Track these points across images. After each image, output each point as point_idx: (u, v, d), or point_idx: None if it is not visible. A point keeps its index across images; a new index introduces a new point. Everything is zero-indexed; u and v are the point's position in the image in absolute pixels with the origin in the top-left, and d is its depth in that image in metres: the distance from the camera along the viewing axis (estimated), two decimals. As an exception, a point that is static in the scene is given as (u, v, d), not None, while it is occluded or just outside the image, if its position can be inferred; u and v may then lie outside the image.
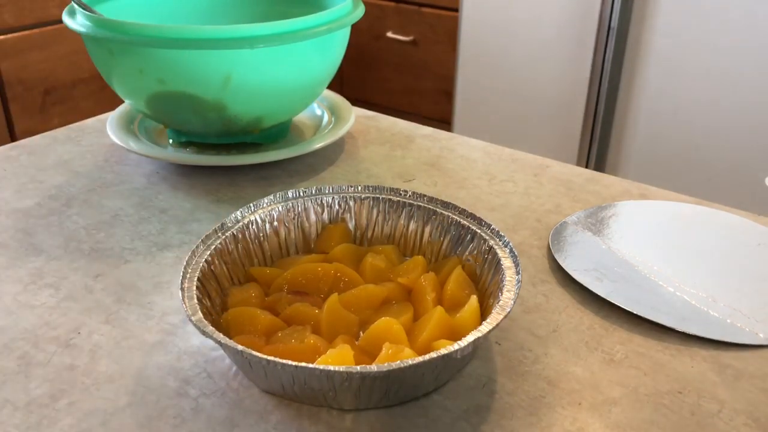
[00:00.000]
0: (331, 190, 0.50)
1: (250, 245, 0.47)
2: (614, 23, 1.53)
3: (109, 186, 0.62)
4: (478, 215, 0.47)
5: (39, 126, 1.61)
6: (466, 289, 0.44)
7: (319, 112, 0.75)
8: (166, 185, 0.62)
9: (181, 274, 0.40)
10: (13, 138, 1.60)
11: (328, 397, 0.37)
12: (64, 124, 0.76)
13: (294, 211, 0.49)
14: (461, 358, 0.40)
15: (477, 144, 0.72)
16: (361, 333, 0.41)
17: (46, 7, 1.60)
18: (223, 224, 0.46)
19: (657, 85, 1.54)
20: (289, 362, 0.35)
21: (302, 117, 0.75)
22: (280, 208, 0.49)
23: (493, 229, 0.46)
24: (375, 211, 0.51)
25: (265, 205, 0.48)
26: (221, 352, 0.42)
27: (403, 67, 2.11)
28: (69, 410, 0.38)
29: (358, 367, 0.35)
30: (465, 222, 0.47)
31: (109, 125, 0.67)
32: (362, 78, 2.17)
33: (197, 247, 0.43)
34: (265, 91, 0.61)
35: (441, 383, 0.40)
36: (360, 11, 0.66)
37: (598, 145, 1.66)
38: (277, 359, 0.35)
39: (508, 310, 0.39)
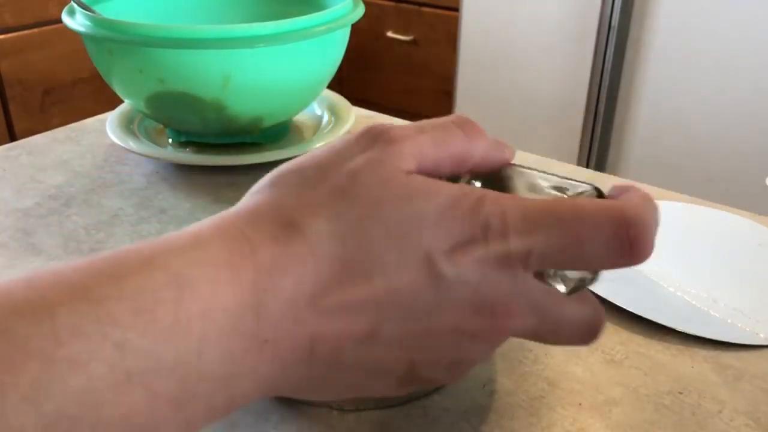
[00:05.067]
0: (331, 190, 0.50)
1: (250, 245, 0.47)
2: (615, 22, 1.53)
3: (108, 186, 0.62)
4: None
5: (39, 126, 1.61)
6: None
7: (319, 112, 0.75)
8: (166, 185, 0.62)
9: (181, 274, 0.40)
10: (12, 138, 1.60)
11: (327, 398, 0.37)
12: (64, 124, 0.76)
13: (294, 211, 0.49)
14: (461, 359, 0.39)
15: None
16: (361, 333, 0.41)
17: (45, 6, 1.60)
18: (222, 224, 0.45)
19: (657, 84, 1.54)
20: (289, 362, 0.35)
21: (302, 117, 0.74)
22: (280, 208, 0.49)
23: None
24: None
25: (264, 205, 0.48)
26: (221, 352, 0.42)
27: (403, 67, 2.11)
28: (68, 410, 0.38)
29: (358, 368, 0.35)
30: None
31: (108, 125, 0.67)
32: (362, 78, 2.17)
33: (197, 247, 0.43)
34: (265, 91, 0.61)
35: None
36: (360, 11, 0.66)
37: (598, 145, 1.66)
38: (277, 359, 0.35)
39: (509, 310, 0.39)
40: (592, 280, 0.26)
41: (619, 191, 0.24)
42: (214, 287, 0.20)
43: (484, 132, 0.26)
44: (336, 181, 0.23)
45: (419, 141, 0.24)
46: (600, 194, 0.26)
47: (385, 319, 0.22)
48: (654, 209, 0.23)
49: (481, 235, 0.22)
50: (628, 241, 0.22)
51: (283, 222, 0.22)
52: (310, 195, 0.23)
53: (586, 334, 0.25)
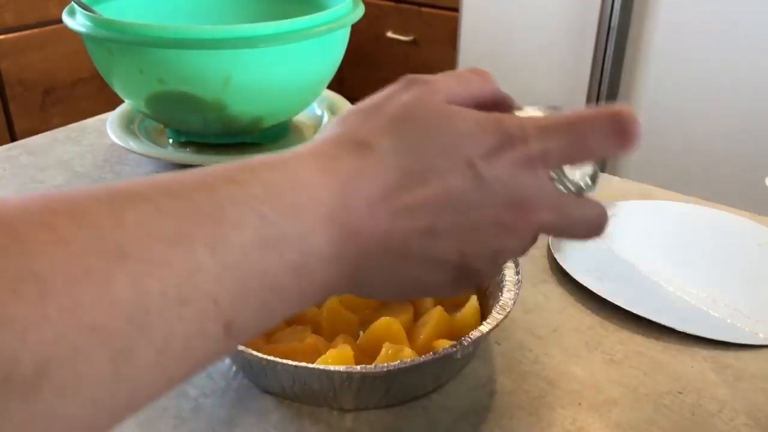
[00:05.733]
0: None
1: (250, 245, 0.47)
2: (614, 23, 1.53)
3: (109, 186, 0.62)
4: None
5: (39, 126, 1.60)
6: (466, 289, 0.44)
7: (319, 112, 0.75)
8: (166, 185, 0.62)
9: (181, 274, 0.40)
10: (13, 138, 1.60)
11: (328, 397, 0.37)
12: (64, 124, 0.76)
13: (294, 211, 0.49)
14: (461, 358, 0.40)
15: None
16: (361, 333, 0.41)
17: (46, 7, 1.60)
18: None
19: (657, 85, 1.54)
20: (289, 362, 0.35)
21: (302, 117, 0.74)
22: (280, 208, 0.49)
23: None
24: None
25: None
26: (221, 352, 0.42)
27: (403, 67, 2.10)
28: (69, 410, 0.38)
29: (358, 367, 0.35)
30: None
31: (109, 125, 0.67)
32: (362, 78, 2.17)
33: (197, 247, 0.43)
34: (265, 91, 0.61)
35: (441, 383, 0.40)
36: (360, 11, 0.66)
37: (598, 145, 1.66)
38: (277, 359, 0.35)
39: (508, 310, 0.39)
40: (591, 186, 0.31)
41: None
42: (315, 186, 0.26)
43: (492, 77, 0.33)
44: (392, 111, 0.29)
45: (447, 82, 0.30)
46: None
47: (441, 216, 0.27)
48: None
49: (507, 142, 0.28)
50: (621, 129, 0.28)
51: (356, 142, 0.28)
52: (374, 123, 0.29)
53: (597, 228, 0.31)
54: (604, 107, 0.29)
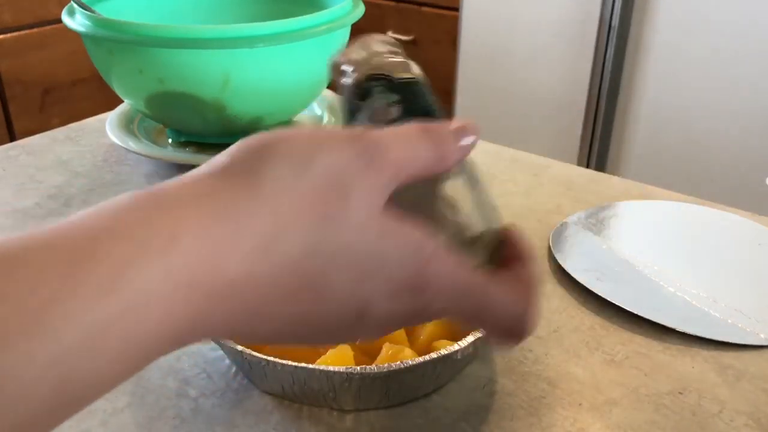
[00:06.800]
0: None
1: (250, 245, 0.47)
2: (615, 23, 1.53)
3: (108, 186, 0.62)
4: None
5: (39, 126, 1.60)
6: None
7: (319, 112, 0.75)
8: (166, 185, 0.62)
9: (181, 274, 0.40)
10: (12, 138, 1.60)
11: (328, 398, 0.37)
12: (64, 124, 0.76)
13: (294, 211, 0.49)
14: (461, 359, 0.40)
15: (477, 144, 0.72)
16: (361, 333, 0.41)
17: (45, 6, 1.60)
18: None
19: (658, 84, 1.54)
20: (289, 362, 0.35)
21: (302, 117, 0.74)
22: (280, 208, 0.49)
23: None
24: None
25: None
26: (221, 352, 0.42)
27: (403, 66, 2.10)
28: (68, 411, 0.38)
29: (358, 368, 0.35)
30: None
31: (108, 125, 0.67)
32: (362, 78, 2.17)
33: (197, 247, 0.43)
34: (265, 91, 0.61)
35: (441, 384, 0.40)
36: (360, 11, 0.66)
37: (598, 145, 1.66)
38: (277, 359, 0.35)
39: (509, 310, 0.39)
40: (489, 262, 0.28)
41: (513, 237, 0.28)
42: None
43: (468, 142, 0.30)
44: (321, 178, 0.23)
45: (405, 152, 0.25)
46: (499, 239, 0.28)
47: (303, 328, 0.23)
48: (534, 299, 0.26)
49: (418, 292, 0.24)
50: (517, 336, 0.26)
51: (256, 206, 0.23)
52: (296, 188, 0.23)
53: (515, 329, 0.27)
54: (514, 303, 0.26)
